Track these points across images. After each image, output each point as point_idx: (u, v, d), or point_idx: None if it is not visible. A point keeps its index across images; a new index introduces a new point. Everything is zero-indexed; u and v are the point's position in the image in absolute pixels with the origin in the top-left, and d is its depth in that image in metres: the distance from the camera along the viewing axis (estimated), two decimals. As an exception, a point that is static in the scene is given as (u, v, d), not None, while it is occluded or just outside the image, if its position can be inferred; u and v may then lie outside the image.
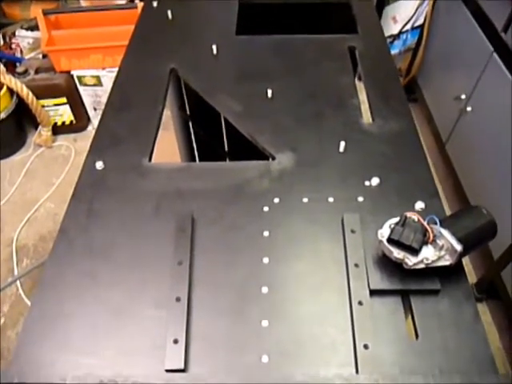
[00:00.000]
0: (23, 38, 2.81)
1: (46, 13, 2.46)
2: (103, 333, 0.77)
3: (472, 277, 2.04)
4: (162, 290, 0.81)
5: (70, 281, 0.85)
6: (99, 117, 1.18)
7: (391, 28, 2.96)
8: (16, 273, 2.12)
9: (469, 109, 2.07)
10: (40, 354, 0.76)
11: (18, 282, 2.07)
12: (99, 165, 1.04)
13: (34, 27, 2.77)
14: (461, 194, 2.21)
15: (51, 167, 2.64)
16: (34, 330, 0.78)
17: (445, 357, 0.73)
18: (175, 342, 0.74)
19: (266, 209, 0.94)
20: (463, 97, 2.12)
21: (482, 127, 2.03)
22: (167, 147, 1.92)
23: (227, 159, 1.86)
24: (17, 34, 2.83)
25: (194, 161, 2.01)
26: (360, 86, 1.25)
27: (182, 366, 0.71)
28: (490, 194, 1.94)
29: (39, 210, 2.39)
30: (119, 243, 0.90)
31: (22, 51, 2.82)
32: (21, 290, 2.05)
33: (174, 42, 1.41)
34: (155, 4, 1.56)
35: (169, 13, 1.50)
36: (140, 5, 2.29)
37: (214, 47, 1.35)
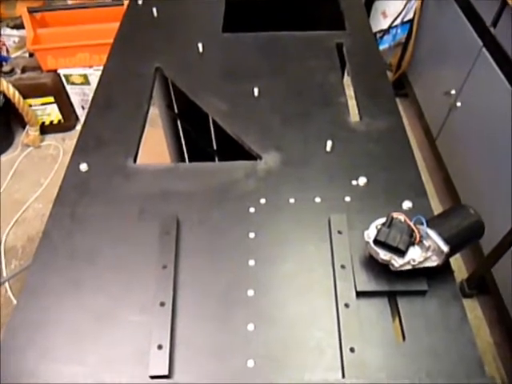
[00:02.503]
0: (9, 37, 2.78)
1: (31, 11, 2.42)
2: (86, 339, 0.76)
3: (463, 272, 2.05)
4: (146, 294, 0.80)
5: (53, 286, 0.83)
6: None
7: (381, 23, 2.95)
8: (5, 274, 2.10)
9: (458, 104, 2.07)
10: (22, 361, 0.74)
11: (6, 284, 2.04)
12: (83, 167, 1.02)
13: (19, 25, 2.72)
14: (451, 189, 2.21)
15: (39, 167, 2.61)
16: (16, 337, 0.77)
17: (432, 359, 0.72)
18: (159, 347, 0.73)
19: (252, 210, 0.93)
20: (453, 92, 2.11)
21: (471, 122, 2.02)
22: (156, 145, 1.91)
23: (216, 157, 1.84)
24: (2, 32, 2.79)
25: (183, 158, 1.99)
26: (349, 82, 1.24)
27: (166, 372, 0.70)
28: (480, 188, 1.94)
29: (27, 210, 2.37)
30: (103, 247, 0.88)
31: (7, 50, 2.78)
32: (10, 292, 2.03)
33: (160, 39, 1.39)
34: (140, 1, 1.54)
35: (154, 10, 1.48)
36: (126, 2, 2.26)
37: (200, 45, 1.33)
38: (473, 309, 1.94)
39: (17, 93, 2.45)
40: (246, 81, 1.22)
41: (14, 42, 2.79)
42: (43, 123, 2.71)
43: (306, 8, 1.62)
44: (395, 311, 0.78)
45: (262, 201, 0.94)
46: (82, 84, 2.55)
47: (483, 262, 1.84)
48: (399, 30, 2.90)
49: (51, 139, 2.77)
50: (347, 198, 0.94)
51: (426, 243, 0.76)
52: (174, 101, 1.70)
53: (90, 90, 2.53)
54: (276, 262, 0.85)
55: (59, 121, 2.72)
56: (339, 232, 0.86)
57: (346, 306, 0.76)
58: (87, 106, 1.19)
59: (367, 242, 0.79)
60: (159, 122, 1.83)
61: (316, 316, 0.77)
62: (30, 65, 2.54)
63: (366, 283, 0.79)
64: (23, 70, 2.53)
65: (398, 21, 2.86)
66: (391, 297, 0.79)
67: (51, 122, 2.72)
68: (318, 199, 0.94)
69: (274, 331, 0.76)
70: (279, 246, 0.87)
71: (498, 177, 1.79)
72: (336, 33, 1.40)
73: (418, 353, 0.72)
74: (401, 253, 0.76)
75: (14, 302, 1.98)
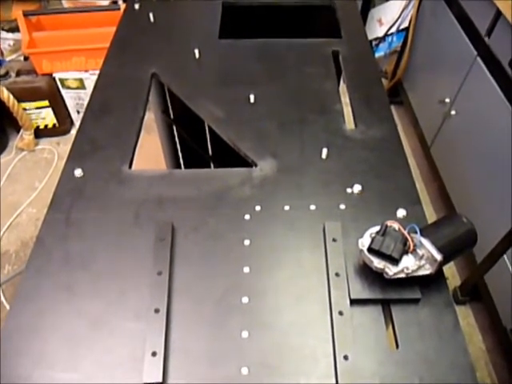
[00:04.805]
0: (4, 40, 2.77)
1: (26, 14, 2.42)
2: (80, 345, 0.76)
3: (456, 279, 2.06)
4: (140, 301, 0.80)
5: (47, 292, 0.83)
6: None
7: (377, 30, 2.97)
8: (-3, 279, 2.09)
9: (453, 112, 2.08)
10: (15, 368, 0.74)
11: (-1, 289, 2.03)
12: (78, 172, 1.02)
13: (15, 29, 2.72)
14: (445, 197, 2.22)
15: (34, 171, 2.59)
16: (9, 343, 0.76)
17: (425, 366, 0.72)
18: (153, 354, 0.73)
19: (247, 217, 0.93)
20: (447, 100, 2.13)
21: (465, 131, 2.04)
22: (152, 151, 1.91)
23: (211, 164, 1.85)
24: (-3, 35, 2.79)
25: (179, 164, 1.99)
26: (344, 89, 1.25)
27: (160, 379, 0.70)
28: (474, 196, 1.95)
29: (21, 215, 2.35)
30: (98, 253, 0.88)
31: (2, 53, 2.77)
32: (2, 297, 2.01)
33: (156, 45, 1.39)
34: (137, 6, 1.54)
35: (151, 15, 1.48)
36: (123, 6, 2.27)
37: (197, 51, 1.33)
38: (465, 315, 1.95)
39: (11, 96, 2.44)
40: (242, 87, 1.23)
41: (9, 45, 2.78)
42: (38, 127, 2.70)
43: (302, 16, 1.63)
44: (389, 319, 0.78)
45: (258, 208, 0.94)
46: (77, 88, 2.55)
47: (476, 269, 1.85)
48: (395, 38, 2.92)
49: (46, 143, 2.77)
50: (342, 206, 0.95)
51: (420, 252, 0.77)
52: (169, 106, 1.71)
53: (86, 95, 2.53)
54: (271, 270, 0.85)
55: (54, 125, 2.71)
56: (334, 240, 0.86)
57: (340, 313, 0.77)
58: (82, 111, 1.19)
59: (361, 250, 0.79)
60: (155, 128, 1.83)
61: (310, 323, 0.78)
62: (25, 68, 2.54)
63: (360, 291, 0.79)
64: (18, 74, 2.52)
65: (394, 29, 2.88)
66: (385, 305, 0.79)
67: (46, 126, 2.71)
68: (312, 207, 0.94)
69: (268, 338, 0.76)
70: (274, 254, 0.87)
71: (491, 185, 1.81)
72: (332, 40, 1.41)
73: (411, 360, 0.73)
74: (394, 261, 0.76)
75: (7, 307, 1.97)
